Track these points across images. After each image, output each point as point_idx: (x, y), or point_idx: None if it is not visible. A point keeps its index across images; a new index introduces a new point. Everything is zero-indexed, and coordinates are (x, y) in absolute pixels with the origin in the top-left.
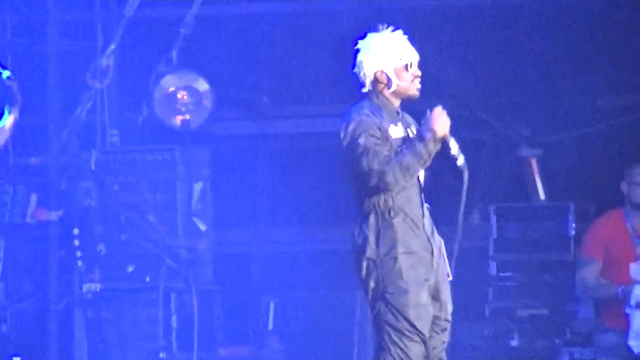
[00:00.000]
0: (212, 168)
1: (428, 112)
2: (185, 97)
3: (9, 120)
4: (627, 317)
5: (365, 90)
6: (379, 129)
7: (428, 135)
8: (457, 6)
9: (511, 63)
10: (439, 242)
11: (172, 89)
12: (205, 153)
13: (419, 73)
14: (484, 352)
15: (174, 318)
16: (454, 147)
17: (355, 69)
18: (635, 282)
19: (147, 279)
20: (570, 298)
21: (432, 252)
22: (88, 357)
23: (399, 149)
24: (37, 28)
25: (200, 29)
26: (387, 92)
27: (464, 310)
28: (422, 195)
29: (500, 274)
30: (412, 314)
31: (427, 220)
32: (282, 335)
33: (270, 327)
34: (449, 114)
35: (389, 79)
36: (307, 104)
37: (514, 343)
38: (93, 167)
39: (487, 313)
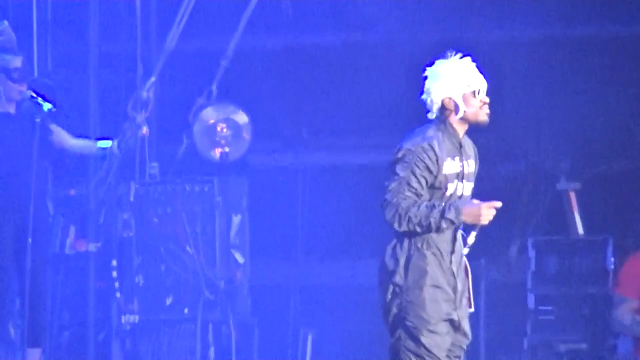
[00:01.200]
0: (250, 200)
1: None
2: (224, 130)
3: None
4: None
5: (432, 116)
6: (429, 168)
7: (452, 216)
8: (496, 40)
9: (550, 95)
10: (464, 270)
11: (211, 121)
12: (243, 185)
13: (487, 100)
14: None
15: (211, 350)
16: (471, 239)
17: (423, 96)
18: None
19: (186, 310)
20: (610, 332)
21: (456, 288)
22: None
23: (426, 202)
24: (78, 60)
25: (240, 61)
26: (454, 119)
27: (502, 344)
28: (457, 229)
29: (539, 307)
30: (430, 343)
31: (455, 257)
32: None
33: (307, 359)
34: (489, 146)
35: (456, 106)
36: (346, 136)
37: None
38: (132, 199)
39: (525, 347)
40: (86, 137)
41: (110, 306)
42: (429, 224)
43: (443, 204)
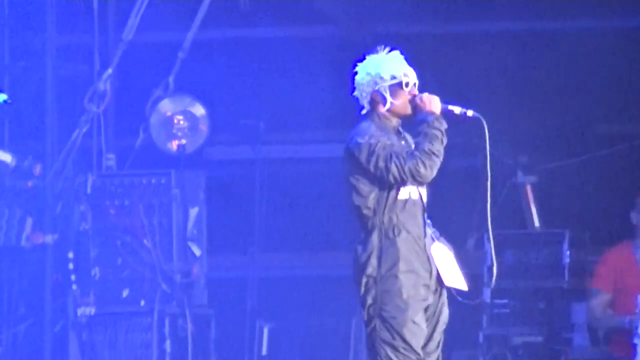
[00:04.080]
0: (207, 192)
1: (417, 99)
2: (181, 122)
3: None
4: (634, 347)
5: (364, 111)
6: (389, 140)
7: (430, 117)
8: (454, 34)
9: (508, 90)
10: (447, 252)
11: (168, 113)
12: (201, 178)
13: (416, 92)
14: None
15: (168, 342)
16: (456, 109)
17: (355, 92)
18: None
19: (142, 303)
20: (565, 325)
21: (432, 272)
22: None
23: (414, 142)
24: (35, 52)
25: (197, 53)
26: (383, 112)
27: (458, 337)
28: (425, 214)
29: (495, 301)
30: (407, 333)
31: (429, 240)
32: None
33: (264, 352)
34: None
35: (383, 98)
36: (304, 130)
37: None
38: (89, 191)
39: (481, 340)
40: None
41: (67, 298)
42: (436, 136)
43: (420, 126)
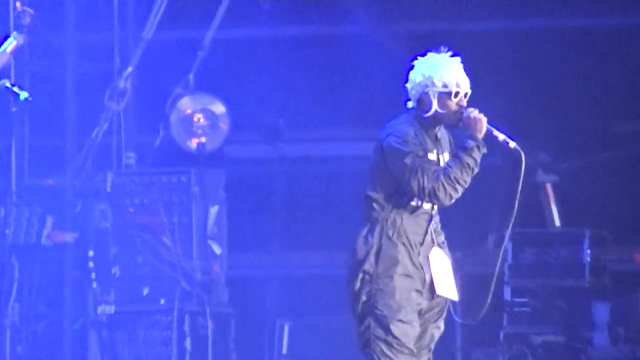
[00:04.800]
0: (227, 191)
1: (464, 115)
2: (201, 120)
3: (12, 45)
4: None
5: (410, 105)
6: (423, 149)
7: (470, 144)
8: (473, 31)
9: (528, 88)
10: (444, 260)
11: (188, 111)
12: (220, 176)
13: (464, 104)
14: None
15: (188, 340)
16: (500, 136)
17: (407, 84)
18: None
19: (162, 301)
20: (586, 324)
21: (425, 280)
22: None
23: (447, 161)
24: (55, 49)
25: (217, 51)
26: (427, 116)
27: (478, 335)
28: (431, 222)
29: (515, 299)
30: (396, 330)
31: (424, 250)
32: (296, 358)
33: (284, 350)
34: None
35: (430, 103)
36: (323, 128)
37: None
38: (109, 189)
39: (501, 338)
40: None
41: (87, 296)
42: (468, 166)
43: (458, 148)
